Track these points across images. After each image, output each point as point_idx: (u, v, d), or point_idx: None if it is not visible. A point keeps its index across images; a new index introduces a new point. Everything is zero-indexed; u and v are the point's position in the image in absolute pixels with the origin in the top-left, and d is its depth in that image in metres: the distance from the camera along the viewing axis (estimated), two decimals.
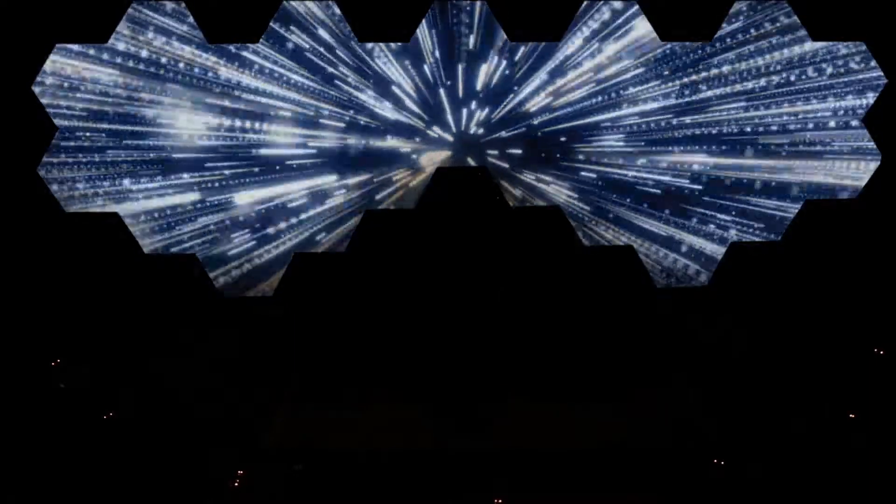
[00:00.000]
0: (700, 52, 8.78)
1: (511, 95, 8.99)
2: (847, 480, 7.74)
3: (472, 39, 8.83)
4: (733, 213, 8.99)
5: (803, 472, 7.85)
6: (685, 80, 8.87)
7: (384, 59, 8.87)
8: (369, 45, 8.79)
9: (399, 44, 8.75)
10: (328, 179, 9.10)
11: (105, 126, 8.69)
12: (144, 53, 8.59)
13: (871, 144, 8.58)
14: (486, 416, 8.52)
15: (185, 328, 9.01)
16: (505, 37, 8.63)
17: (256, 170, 8.97)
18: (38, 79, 8.27)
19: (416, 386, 8.78)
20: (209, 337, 9.06)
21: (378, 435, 8.34)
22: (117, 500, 7.77)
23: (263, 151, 8.96)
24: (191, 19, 8.41)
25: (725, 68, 8.80)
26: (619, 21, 8.73)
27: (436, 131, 9.05)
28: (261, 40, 8.53)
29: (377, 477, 7.95)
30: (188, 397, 8.60)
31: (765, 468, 7.95)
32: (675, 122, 8.96)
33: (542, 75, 8.95)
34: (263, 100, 8.84)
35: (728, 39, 8.70)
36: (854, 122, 8.66)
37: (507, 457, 8.11)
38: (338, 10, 8.43)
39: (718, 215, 9.03)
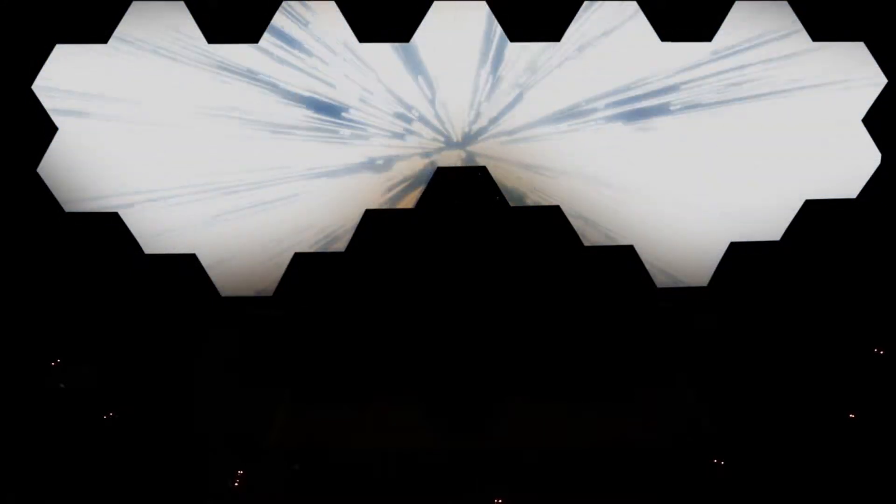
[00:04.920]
0: None
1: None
2: (847, 480, 7.73)
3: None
4: None
5: (803, 472, 7.84)
6: None
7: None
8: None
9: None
10: None
11: None
12: None
13: (871, 144, 8.59)
14: (486, 416, 8.52)
15: (185, 328, 9.02)
16: None
17: None
18: None
19: (416, 386, 8.78)
20: (209, 337, 9.06)
21: (378, 435, 8.33)
22: (117, 500, 7.75)
23: None
24: None
25: None
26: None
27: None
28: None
29: (377, 477, 7.94)
30: (188, 397, 8.60)
31: (765, 468, 7.94)
32: None
33: None
34: None
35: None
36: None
37: (507, 457, 8.09)
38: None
39: None
